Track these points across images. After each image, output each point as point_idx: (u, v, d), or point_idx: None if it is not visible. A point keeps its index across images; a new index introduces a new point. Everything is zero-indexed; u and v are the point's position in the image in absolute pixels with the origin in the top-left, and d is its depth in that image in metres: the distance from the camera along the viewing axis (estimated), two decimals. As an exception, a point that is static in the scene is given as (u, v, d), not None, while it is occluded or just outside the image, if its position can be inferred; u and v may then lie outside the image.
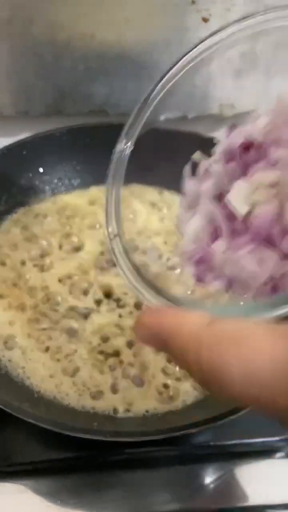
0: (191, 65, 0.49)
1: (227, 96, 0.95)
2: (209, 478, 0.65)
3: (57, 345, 0.68)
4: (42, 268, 0.76)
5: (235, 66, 0.90)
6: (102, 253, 0.77)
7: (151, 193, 0.87)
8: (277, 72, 0.91)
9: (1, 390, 0.60)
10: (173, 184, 0.85)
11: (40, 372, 0.66)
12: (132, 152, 0.85)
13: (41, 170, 0.84)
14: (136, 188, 0.83)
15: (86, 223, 0.82)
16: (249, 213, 0.41)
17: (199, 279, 0.44)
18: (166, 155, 0.88)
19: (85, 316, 0.70)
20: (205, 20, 0.86)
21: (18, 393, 0.62)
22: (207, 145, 0.85)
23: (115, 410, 0.63)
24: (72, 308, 0.70)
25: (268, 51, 0.85)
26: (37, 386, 0.64)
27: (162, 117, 0.96)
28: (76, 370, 0.66)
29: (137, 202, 0.84)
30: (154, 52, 0.89)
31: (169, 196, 0.85)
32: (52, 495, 0.62)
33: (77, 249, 0.79)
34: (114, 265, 0.44)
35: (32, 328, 0.69)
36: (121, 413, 0.63)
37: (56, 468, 0.64)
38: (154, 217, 0.84)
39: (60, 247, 0.79)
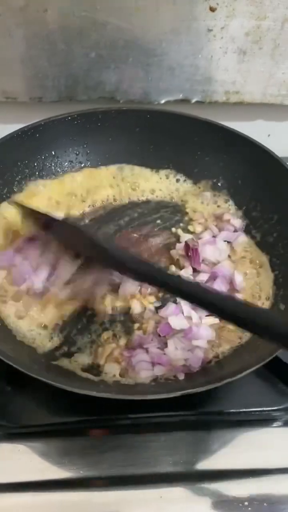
0: None
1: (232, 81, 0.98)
2: (208, 444, 0.68)
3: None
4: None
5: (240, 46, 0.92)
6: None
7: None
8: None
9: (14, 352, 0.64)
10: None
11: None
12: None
13: (53, 152, 0.88)
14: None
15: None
16: None
17: None
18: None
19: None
20: (212, 9, 0.88)
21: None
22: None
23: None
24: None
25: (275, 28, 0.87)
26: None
27: (162, 100, 1.00)
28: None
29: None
30: (163, 40, 0.92)
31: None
32: (59, 456, 0.66)
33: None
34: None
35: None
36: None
37: (64, 431, 0.68)
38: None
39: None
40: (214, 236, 0.83)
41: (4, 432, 0.67)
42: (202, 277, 0.77)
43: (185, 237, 0.84)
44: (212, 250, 0.80)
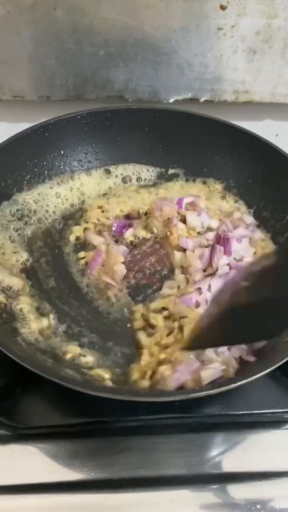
0: None
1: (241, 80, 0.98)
2: (219, 446, 0.68)
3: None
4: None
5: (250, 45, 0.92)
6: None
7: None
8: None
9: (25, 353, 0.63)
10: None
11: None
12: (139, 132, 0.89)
13: (62, 151, 0.87)
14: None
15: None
16: None
17: None
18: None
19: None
20: (223, 7, 0.88)
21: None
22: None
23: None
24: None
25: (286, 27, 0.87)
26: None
27: (171, 99, 1.00)
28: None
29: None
30: (172, 39, 0.91)
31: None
32: (70, 458, 0.65)
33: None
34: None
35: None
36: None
37: (74, 432, 0.67)
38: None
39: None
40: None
41: (14, 433, 0.66)
42: (224, 270, 0.77)
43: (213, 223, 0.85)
44: (239, 247, 0.80)
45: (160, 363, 0.67)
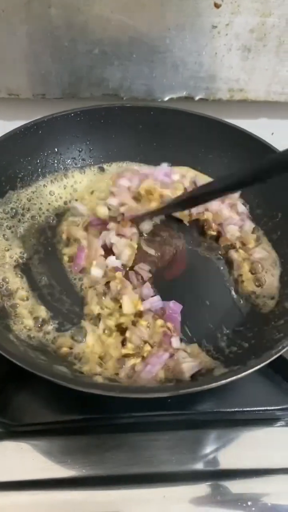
0: None
1: (236, 78, 0.98)
2: (212, 443, 0.68)
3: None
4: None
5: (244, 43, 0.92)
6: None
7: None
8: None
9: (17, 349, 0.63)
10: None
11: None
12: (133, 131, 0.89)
13: (56, 149, 0.87)
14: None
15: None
16: None
17: None
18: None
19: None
20: (217, 5, 0.88)
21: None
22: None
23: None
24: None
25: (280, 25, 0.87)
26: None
27: (166, 97, 1.00)
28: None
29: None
30: (167, 37, 0.92)
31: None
32: (62, 455, 0.65)
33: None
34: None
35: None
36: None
37: (66, 429, 0.68)
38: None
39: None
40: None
41: (7, 430, 0.66)
42: None
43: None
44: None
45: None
